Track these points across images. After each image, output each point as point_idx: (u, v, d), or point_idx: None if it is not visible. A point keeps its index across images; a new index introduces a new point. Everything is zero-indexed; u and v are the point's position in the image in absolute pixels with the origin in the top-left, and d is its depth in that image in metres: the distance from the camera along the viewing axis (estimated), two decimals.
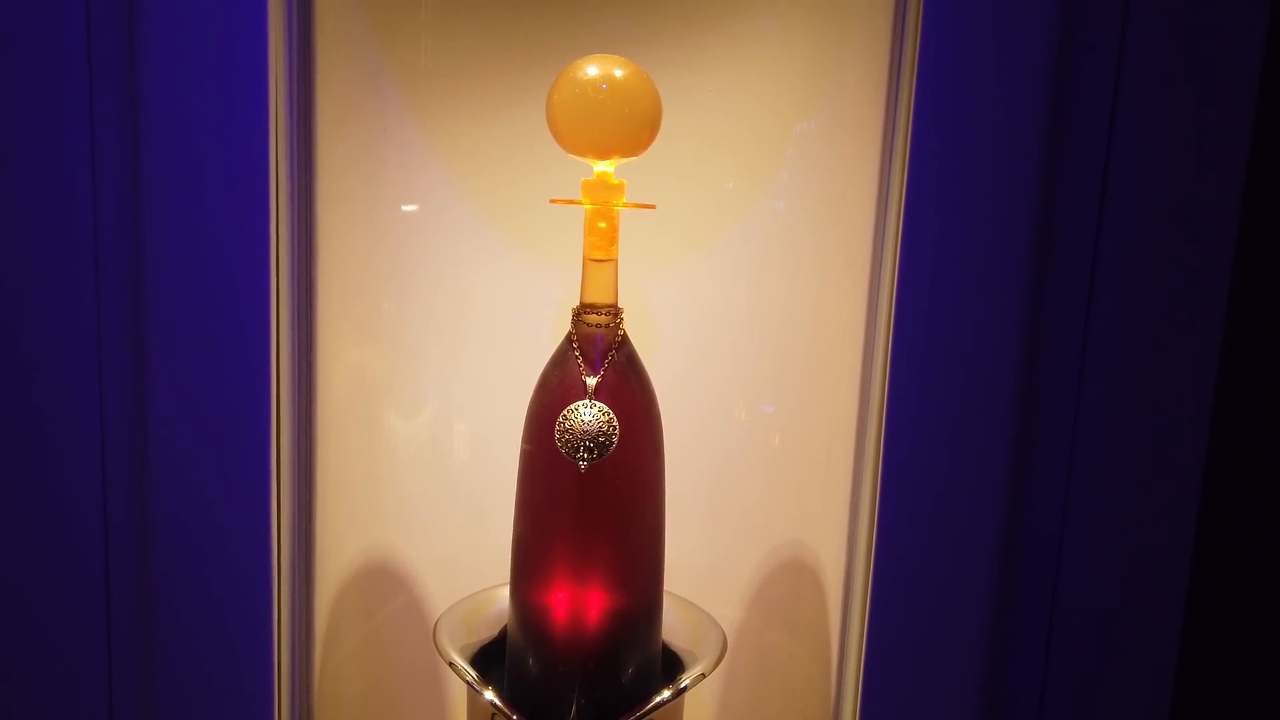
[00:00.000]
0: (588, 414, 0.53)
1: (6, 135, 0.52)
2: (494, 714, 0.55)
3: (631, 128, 0.54)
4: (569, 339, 0.56)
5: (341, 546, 0.63)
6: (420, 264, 0.66)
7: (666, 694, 0.56)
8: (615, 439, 0.53)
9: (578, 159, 0.55)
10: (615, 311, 0.56)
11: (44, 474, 0.54)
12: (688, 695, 0.58)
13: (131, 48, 0.51)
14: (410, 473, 0.67)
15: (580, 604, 0.55)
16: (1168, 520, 0.56)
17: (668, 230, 0.65)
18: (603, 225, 0.56)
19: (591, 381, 0.54)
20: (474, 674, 0.55)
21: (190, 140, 0.51)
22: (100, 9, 0.51)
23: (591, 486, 0.54)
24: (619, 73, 0.54)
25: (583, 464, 0.53)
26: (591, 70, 0.54)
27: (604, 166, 0.55)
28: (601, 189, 0.55)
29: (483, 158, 0.66)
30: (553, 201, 0.57)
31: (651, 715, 0.55)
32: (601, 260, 0.56)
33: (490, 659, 0.59)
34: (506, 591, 0.59)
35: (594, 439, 0.53)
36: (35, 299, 0.53)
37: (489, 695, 0.54)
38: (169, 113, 0.51)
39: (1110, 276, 0.54)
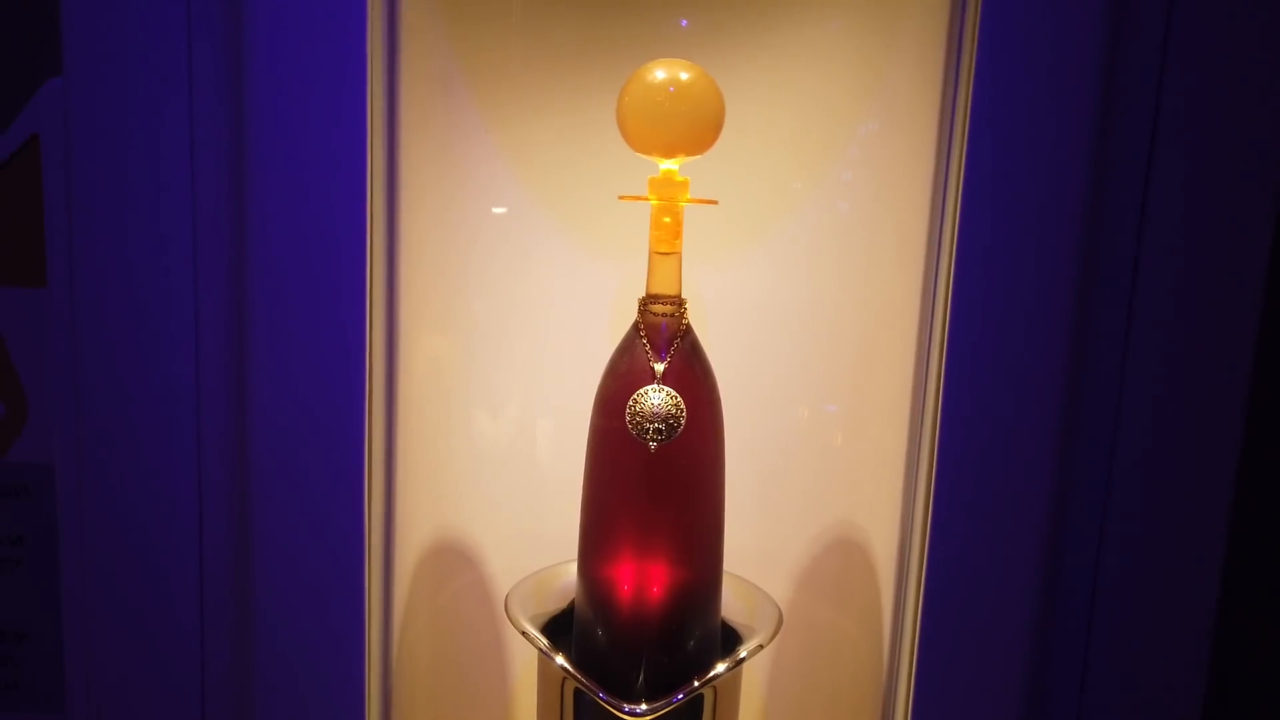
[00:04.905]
0: (656, 398, 0.56)
1: (113, 130, 0.55)
2: (564, 679, 0.58)
3: (697, 128, 0.56)
4: (635, 327, 0.59)
5: (418, 527, 0.66)
6: (494, 259, 0.69)
7: (722, 666, 0.59)
8: (683, 421, 0.56)
9: (644, 158, 0.58)
10: (679, 302, 0.58)
11: (146, 449, 0.58)
12: (745, 671, 0.61)
13: (237, 49, 0.54)
14: (481, 460, 0.70)
15: (646, 578, 0.58)
16: (1207, 493, 0.58)
17: (723, 225, 0.67)
18: (668, 220, 0.58)
19: (659, 367, 0.57)
20: (546, 641, 0.59)
21: (292, 139, 0.54)
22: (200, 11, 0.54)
23: (659, 466, 0.56)
24: (685, 76, 0.56)
25: (653, 445, 0.56)
26: (660, 74, 0.56)
27: (669, 164, 0.58)
28: (667, 186, 0.58)
29: (552, 158, 0.69)
30: (621, 199, 0.60)
31: (713, 685, 0.58)
32: (666, 253, 0.58)
33: (557, 630, 0.62)
34: (573, 567, 0.62)
35: (663, 421, 0.56)
36: (136, 291, 0.56)
37: (560, 660, 0.58)
38: (272, 111, 0.54)
39: (1155, 279, 0.56)
